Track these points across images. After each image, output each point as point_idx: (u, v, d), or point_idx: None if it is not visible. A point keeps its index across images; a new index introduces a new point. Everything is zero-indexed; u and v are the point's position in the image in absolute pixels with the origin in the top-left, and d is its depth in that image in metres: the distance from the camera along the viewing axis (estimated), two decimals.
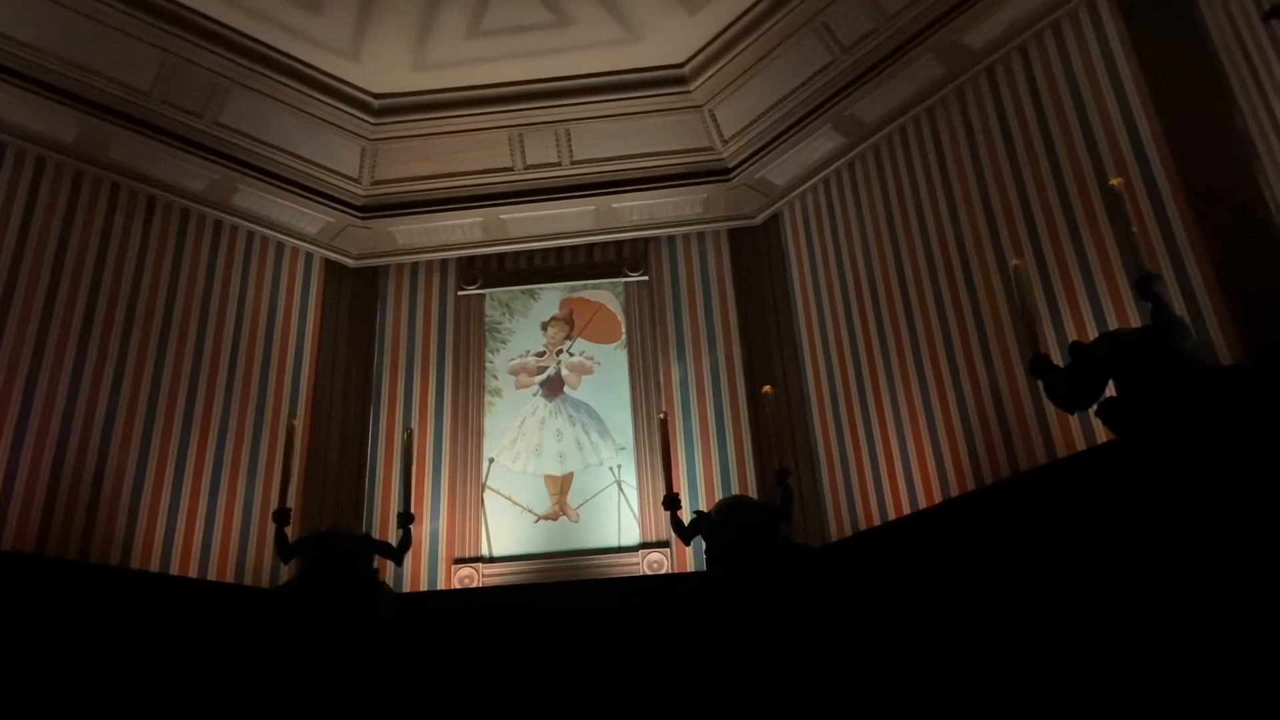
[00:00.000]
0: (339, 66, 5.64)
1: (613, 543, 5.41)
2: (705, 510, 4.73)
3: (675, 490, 4.58)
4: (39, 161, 5.11)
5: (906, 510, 4.80)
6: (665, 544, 5.29)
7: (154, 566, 4.81)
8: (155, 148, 5.37)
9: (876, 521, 4.94)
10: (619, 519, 5.47)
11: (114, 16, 4.99)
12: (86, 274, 5.09)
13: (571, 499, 5.57)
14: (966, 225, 4.88)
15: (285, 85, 5.60)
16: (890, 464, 4.98)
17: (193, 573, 4.95)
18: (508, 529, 5.52)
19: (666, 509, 4.53)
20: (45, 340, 4.81)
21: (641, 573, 5.26)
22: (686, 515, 4.61)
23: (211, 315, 5.55)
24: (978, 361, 4.66)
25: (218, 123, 5.53)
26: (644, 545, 5.34)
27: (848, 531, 5.07)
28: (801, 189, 5.89)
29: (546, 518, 5.54)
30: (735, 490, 5.38)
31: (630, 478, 5.57)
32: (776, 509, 4.47)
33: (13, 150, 5.02)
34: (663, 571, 5.25)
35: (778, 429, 4.97)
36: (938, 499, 4.66)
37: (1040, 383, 3.59)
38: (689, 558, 5.20)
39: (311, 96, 5.69)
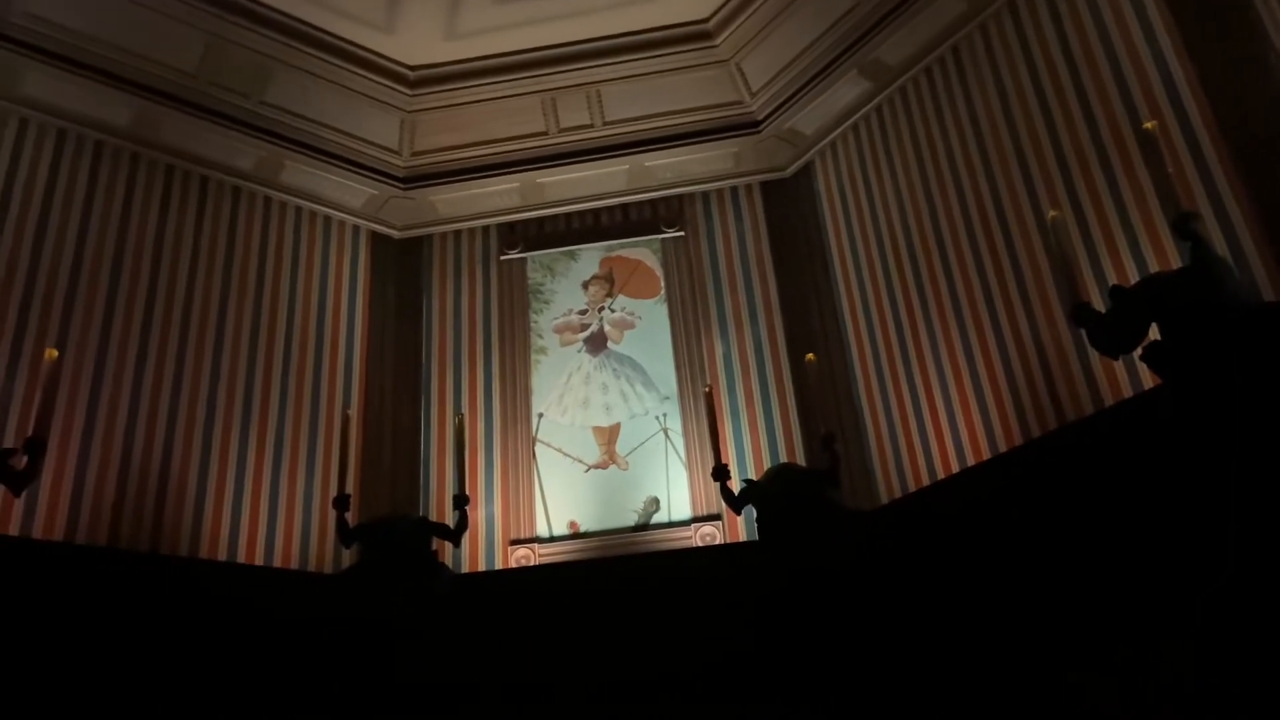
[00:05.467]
0: (375, 40, 5.85)
1: (660, 490, 5.57)
2: (754, 479, 4.73)
3: (724, 461, 4.63)
4: (97, 146, 5.35)
5: (955, 469, 4.77)
6: (717, 516, 5.39)
7: (221, 556, 4.98)
8: (205, 128, 5.61)
9: (925, 482, 4.92)
10: (666, 465, 5.62)
11: (160, 1, 5.22)
12: (146, 262, 5.30)
13: (620, 448, 5.74)
14: (999, 172, 4.87)
15: (325, 61, 5.81)
16: (936, 423, 4.98)
17: (258, 561, 5.12)
18: (560, 481, 5.70)
19: (716, 480, 4.58)
20: (109, 336, 5.01)
21: (694, 545, 5.35)
22: (736, 485, 4.64)
23: (265, 299, 5.75)
24: (1019, 313, 4.65)
25: (263, 101, 5.77)
26: (696, 519, 5.45)
27: (897, 494, 5.07)
28: (831, 137, 5.98)
29: (597, 467, 5.71)
30: (783, 458, 5.44)
31: (675, 425, 5.71)
32: (824, 475, 4.47)
33: (72, 136, 5.27)
34: (715, 543, 5.32)
35: (822, 393, 5.02)
36: (986, 455, 4.62)
37: (1084, 331, 3.50)
38: (741, 528, 5.27)
39: (350, 71, 5.90)
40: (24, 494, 3.63)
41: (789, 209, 6.17)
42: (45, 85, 5.11)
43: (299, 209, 6.13)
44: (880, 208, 5.57)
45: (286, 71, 5.75)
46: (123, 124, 5.40)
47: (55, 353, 3.65)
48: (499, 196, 6.41)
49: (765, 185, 6.29)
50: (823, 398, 5.05)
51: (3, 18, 4.92)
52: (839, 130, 5.93)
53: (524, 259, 6.38)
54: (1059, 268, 4.12)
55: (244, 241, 5.79)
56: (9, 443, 3.82)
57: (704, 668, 4.31)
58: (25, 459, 3.49)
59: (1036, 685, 3.61)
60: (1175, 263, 3.93)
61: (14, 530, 4.27)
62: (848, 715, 3.68)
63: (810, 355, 4.93)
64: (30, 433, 3.55)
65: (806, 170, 6.17)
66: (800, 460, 5.38)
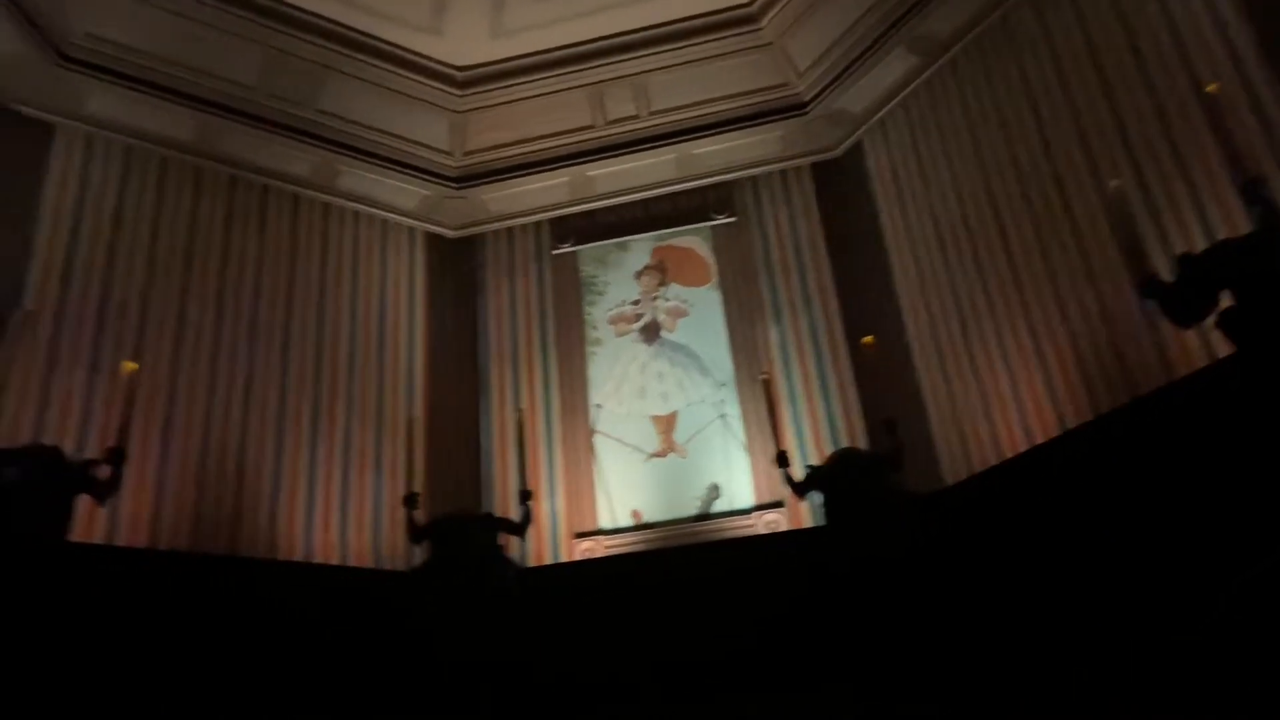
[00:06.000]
0: (423, 43, 5.93)
1: (720, 476, 5.59)
2: (817, 465, 4.70)
3: (784, 448, 4.63)
4: (162, 161, 5.53)
5: (1022, 448, 4.67)
6: (779, 504, 5.39)
7: (297, 557, 5.13)
8: (264, 138, 5.76)
9: (991, 462, 4.82)
10: (726, 450, 5.65)
11: (218, 17, 5.37)
12: (212, 273, 5.46)
13: (678, 436, 5.78)
14: (1056, 143, 4.75)
15: (376, 67, 5.92)
16: (1000, 401, 4.89)
17: (333, 560, 5.26)
18: (620, 470, 5.75)
19: (777, 466, 4.60)
20: (180, 347, 5.17)
21: (757, 533, 5.35)
22: (798, 472, 4.63)
23: (328, 303, 5.89)
24: (1082, 285, 4.52)
25: (318, 109, 5.90)
26: (759, 506, 5.46)
27: (962, 475, 4.99)
28: (880, 114, 5.92)
29: (656, 455, 5.76)
30: (844, 444, 5.40)
31: (733, 411, 5.73)
32: (887, 459, 4.45)
33: (139, 152, 5.44)
34: (779, 530, 5.32)
35: (881, 376, 4.99)
36: (1054, 433, 4.51)
37: (1151, 302, 3.45)
38: (805, 514, 5.26)
39: (400, 75, 6.00)
40: (108, 503, 3.78)
41: (840, 190, 6.12)
42: (111, 104, 5.29)
43: (356, 213, 6.25)
44: (934, 183, 5.50)
45: (340, 79, 5.86)
46: (186, 138, 5.56)
47: (134, 365, 3.79)
48: (549, 191, 6.48)
49: (815, 167, 6.26)
50: (882, 381, 5.02)
51: (65, 39, 5.09)
52: (888, 107, 5.87)
53: (576, 252, 6.44)
54: (1123, 238, 3.99)
55: (304, 247, 5.93)
56: (91, 454, 3.97)
57: (769, 656, 4.31)
58: (108, 469, 3.64)
59: (1103, 673, 3.53)
60: (1243, 229, 3.81)
61: (100, 538, 4.44)
62: (909, 702, 3.64)
63: (868, 338, 4.90)
64: (111, 443, 3.70)
65: (856, 150, 6.12)
66: (861, 445, 5.35)
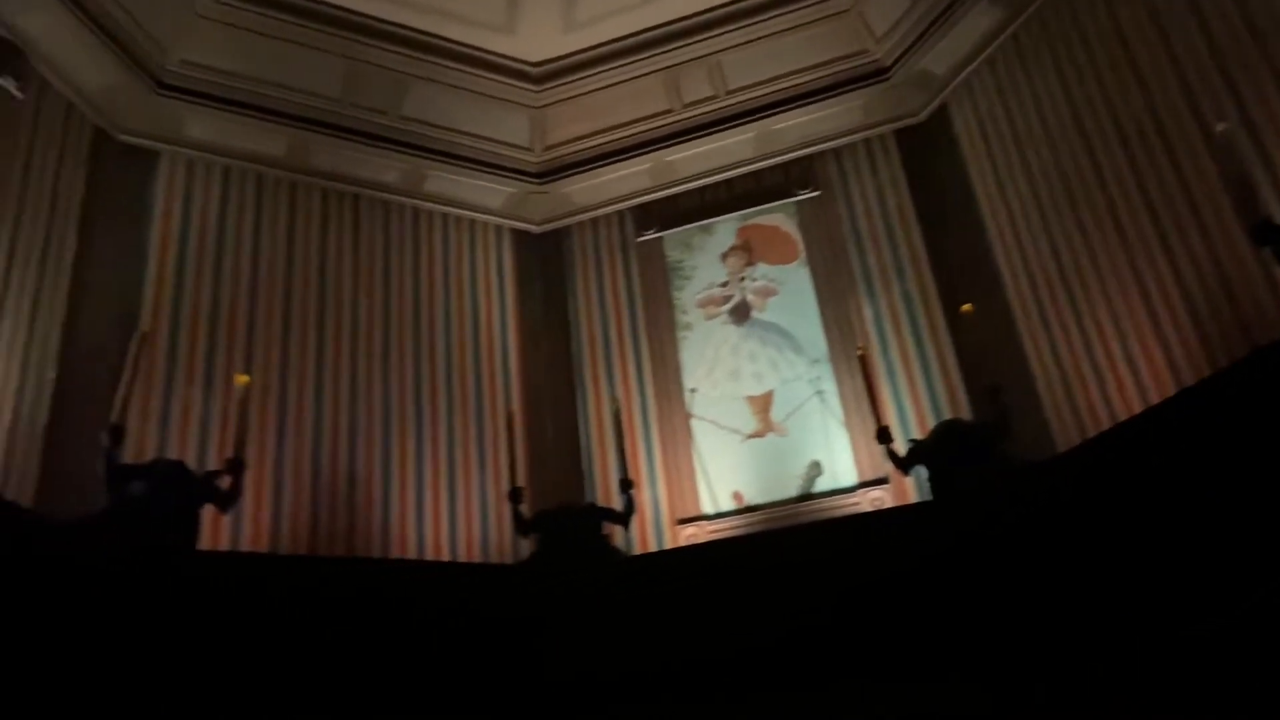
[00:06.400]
0: (498, 42, 6.01)
1: (821, 453, 5.54)
2: (920, 439, 4.59)
3: (885, 423, 4.54)
4: (258, 178, 5.73)
5: (1137, 409, 4.45)
6: (884, 480, 5.30)
7: (410, 555, 5.29)
8: (352, 148, 5.92)
9: (1105, 425, 4.61)
10: (825, 427, 5.59)
11: (300, 33, 5.55)
12: (312, 284, 5.65)
13: (775, 415, 5.74)
14: (1155, 88, 4.53)
15: (453, 69, 6.02)
16: (1111, 361, 4.70)
17: (445, 556, 5.41)
18: (719, 454, 5.75)
19: (879, 442, 4.51)
20: (287, 358, 5.36)
21: (863, 511, 5.22)
22: (901, 447, 4.53)
23: (423, 306, 6.02)
24: (1192, 235, 4.32)
25: (401, 116, 6.03)
26: (863, 484, 5.38)
27: (1075, 440, 4.79)
28: (964, 74, 5.72)
29: (754, 436, 5.74)
30: (947, 415, 5.26)
31: (830, 387, 5.67)
32: (994, 428, 4.29)
33: (236, 172, 5.66)
34: (885, 507, 5.21)
35: (982, 344, 4.85)
36: (1171, 391, 4.28)
37: (1266, 249, 3.24)
38: (910, 490, 5.15)
39: (478, 76, 6.10)
40: (231, 511, 3.95)
41: (927, 156, 5.96)
42: (208, 127, 5.51)
43: (444, 216, 6.38)
44: (1026, 141, 5.30)
45: (420, 85, 5.99)
46: (279, 154, 5.76)
47: (246, 378, 3.95)
48: (630, 179, 6.48)
49: (899, 134, 6.10)
50: (984, 348, 4.89)
51: (162, 68, 5.32)
52: (972, 66, 5.68)
53: (660, 238, 6.44)
54: (1233, 183, 3.82)
55: (397, 253, 6.08)
56: (211, 466, 4.16)
57: (881, 641, 4.22)
58: (229, 479, 3.81)
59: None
60: None
61: (225, 545, 4.66)
62: (1023, 689, 3.49)
63: (966, 306, 4.78)
64: (230, 454, 3.87)
65: (941, 113, 5.94)
66: (966, 416, 5.22)
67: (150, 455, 4.49)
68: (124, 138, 5.31)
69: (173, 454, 4.61)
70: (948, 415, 5.26)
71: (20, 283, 4.50)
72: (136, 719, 3.03)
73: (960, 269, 5.59)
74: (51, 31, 4.75)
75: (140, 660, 3.08)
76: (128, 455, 3.98)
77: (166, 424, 4.82)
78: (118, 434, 3.68)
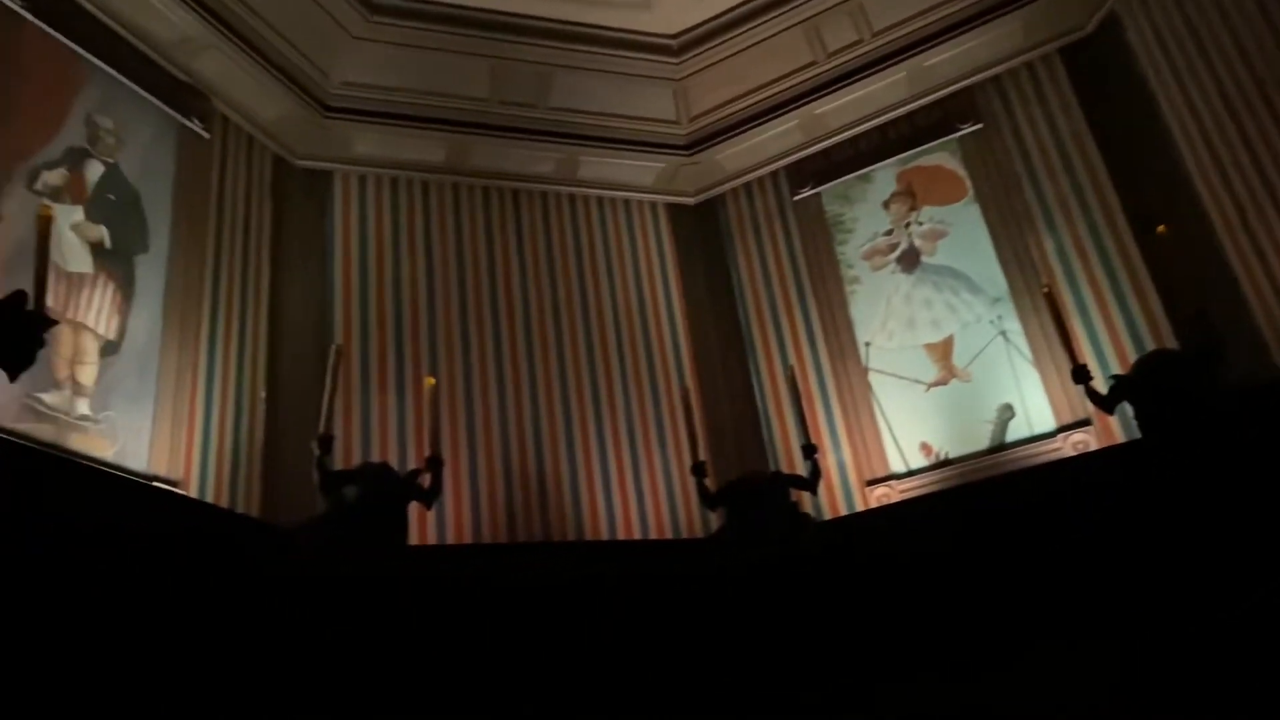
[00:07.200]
0: (634, 20, 6.01)
1: (1011, 395, 5.30)
2: (1122, 374, 4.25)
3: (1081, 361, 4.23)
4: (423, 185, 5.98)
5: None
6: (1086, 422, 5.01)
7: (603, 535, 5.44)
8: (506, 145, 6.09)
9: None
10: (1013, 367, 5.34)
11: (444, 40, 5.74)
12: (484, 281, 5.85)
13: (957, 360, 5.53)
14: None
15: (594, 54, 6.08)
16: None
17: (636, 535, 5.53)
18: (901, 405, 5.60)
19: (1076, 382, 4.20)
20: (468, 357, 5.59)
21: (1065, 456, 4.95)
22: (1102, 385, 4.23)
23: (589, 291, 6.14)
24: None
25: (549, 107, 6.14)
26: (1062, 428, 5.09)
27: None
28: None
29: (936, 384, 5.55)
30: (1149, 347, 4.90)
31: (1014, 325, 5.40)
32: (1204, 353, 3.91)
33: (402, 181, 5.92)
34: (1089, 450, 4.91)
35: (1181, 267, 4.48)
36: None
37: None
38: (1116, 430, 4.84)
39: (619, 56, 6.13)
40: (433, 507, 4.16)
41: (1099, 72, 5.54)
42: (373, 142, 5.79)
43: (600, 199, 6.47)
44: (1212, 46, 4.81)
45: (563, 73, 6.07)
46: (440, 160, 5.99)
47: (433, 380, 4.14)
48: (781, 138, 6.36)
49: (1065, 53, 5.69)
50: (1184, 272, 4.50)
51: (326, 92, 5.62)
52: None
53: (818, 194, 6.29)
54: None
55: (559, 241, 6.22)
56: (411, 465, 4.39)
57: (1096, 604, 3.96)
58: (429, 476, 4.01)
59: None
60: None
61: (431, 539, 4.92)
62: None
63: (1160, 227, 4.42)
64: (427, 453, 4.07)
65: (1111, 23, 5.49)
66: (1170, 345, 4.85)
67: (356, 460, 4.79)
68: (301, 162, 5.66)
69: (375, 457, 4.91)
70: (1150, 346, 4.90)
71: (226, 314, 4.89)
72: (383, 707, 3.24)
73: (1148, 190, 5.17)
74: (226, 71, 5.11)
75: (382, 654, 3.29)
76: (336, 461, 4.25)
77: (367, 429, 5.13)
78: (327, 443, 3.93)
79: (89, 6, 4.51)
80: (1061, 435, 5.08)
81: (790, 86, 6.22)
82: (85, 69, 4.46)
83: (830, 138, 6.30)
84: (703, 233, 6.62)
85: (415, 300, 5.60)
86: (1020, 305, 5.41)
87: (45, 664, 2.17)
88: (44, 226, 2.66)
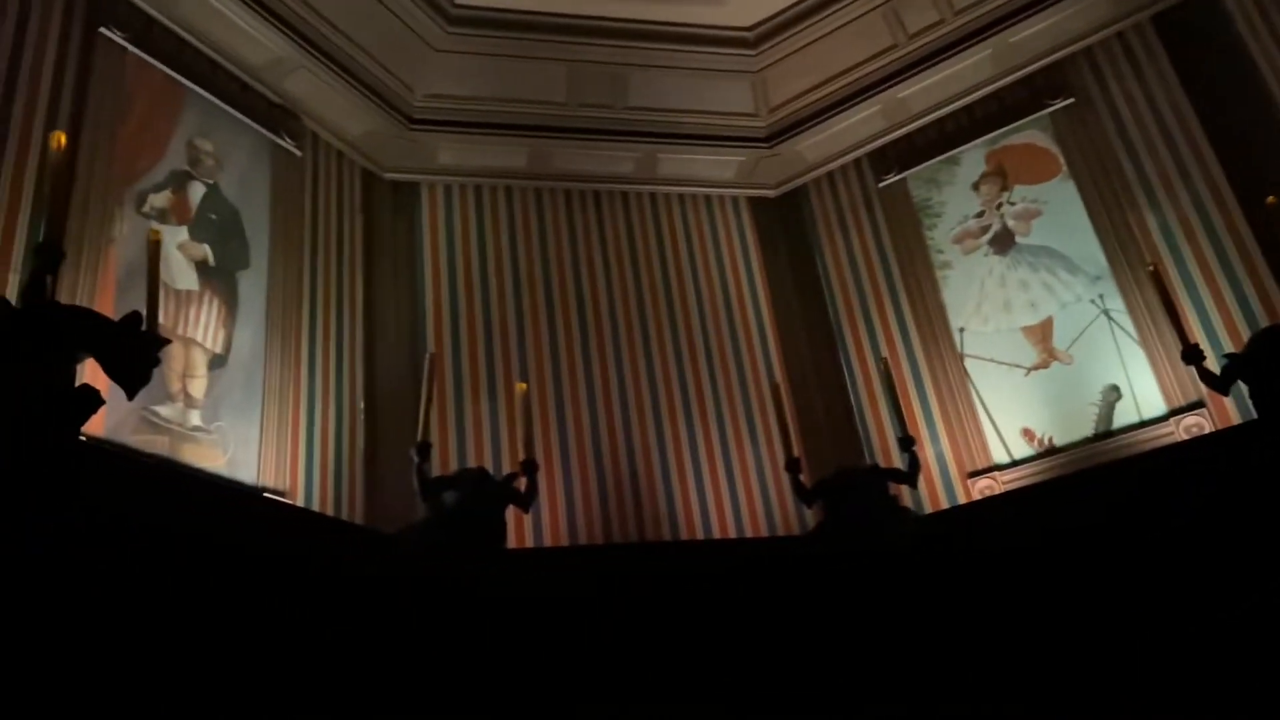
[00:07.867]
0: (708, 14, 5.97)
1: (1117, 377, 5.11)
2: (1236, 352, 4.14)
3: (1192, 341, 4.09)
4: (506, 191, 6.05)
5: None
6: (1199, 404, 4.81)
7: (698, 535, 5.44)
8: (586, 147, 6.13)
9: None
10: (1117, 347, 5.15)
11: (520, 47, 5.81)
12: (570, 284, 5.91)
13: (1057, 343, 5.35)
14: None
15: (669, 51, 6.06)
16: None
17: (731, 533, 5.50)
18: (1000, 391, 5.45)
19: (1187, 364, 4.08)
20: (557, 360, 5.64)
21: (1179, 440, 4.75)
22: (1215, 365, 4.06)
23: (674, 289, 6.14)
24: None
25: (626, 106, 6.15)
26: (1174, 411, 4.89)
27: None
28: None
29: (1037, 368, 5.38)
30: (1264, 323, 4.65)
31: (1117, 304, 5.20)
32: None
33: (486, 189, 6.01)
34: (1204, 434, 4.70)
35: None
36: None
37: None
38: (1233, 411, 4.64)
39: (694, 52, 6.10)
40: (530, 510, 4.20)
41: (1195, 37, 5.29)
42: (456, 151, 5.90)
43: (680, 196, 6.46)
44: None
45: (639, 73, 6.08)
46: (521, 165, 6.06)
47: (524, 385, 4.18)
48: (862, 125, 6.25)
49: (1157, 20, 5.46)
50: None
51: (410, 105, 5.74)
52: None
53: (903, 180, 6.16)
54: None
55: (641, 240, 6.23)
56: (505, 470, 4.45)
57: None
58: (524, 480, 4.05)
59: None
60: None
61: (529, 543, 4.99)
62: None
63: (1270, 198, 4.19)
64: (521, 457, 4.11)
65: None
66: None
67: (452, 466, 4.87)
68: (389, 175, 5.79)
69: (470, 463, 4.99)
70: (1264, 322, 4.67)
71: (324, 325, 5.03)
72: (484, 705, 3.28)
73: (1256, 159, 4.92)
74: (315, 90, 5.25)
75: (491, 656, 3.33)
76: (435, 468, 4.32)
77: (462, 436, 5.21)
78: (425, 450, 3.99)
79: (186, 35, 4.69)
80: (1174, 419, 4.87)
81: (870, 72, 6.11)
82: (184, 95, 4.64)
83: (914, 121, 6.17)
84: (786, 225, 6.55)
85: (503, 306, 5.67)
86: (1122, 284, 5.21)
87: (170, 669, 2.25)
88: (154, 250, 2.75)
